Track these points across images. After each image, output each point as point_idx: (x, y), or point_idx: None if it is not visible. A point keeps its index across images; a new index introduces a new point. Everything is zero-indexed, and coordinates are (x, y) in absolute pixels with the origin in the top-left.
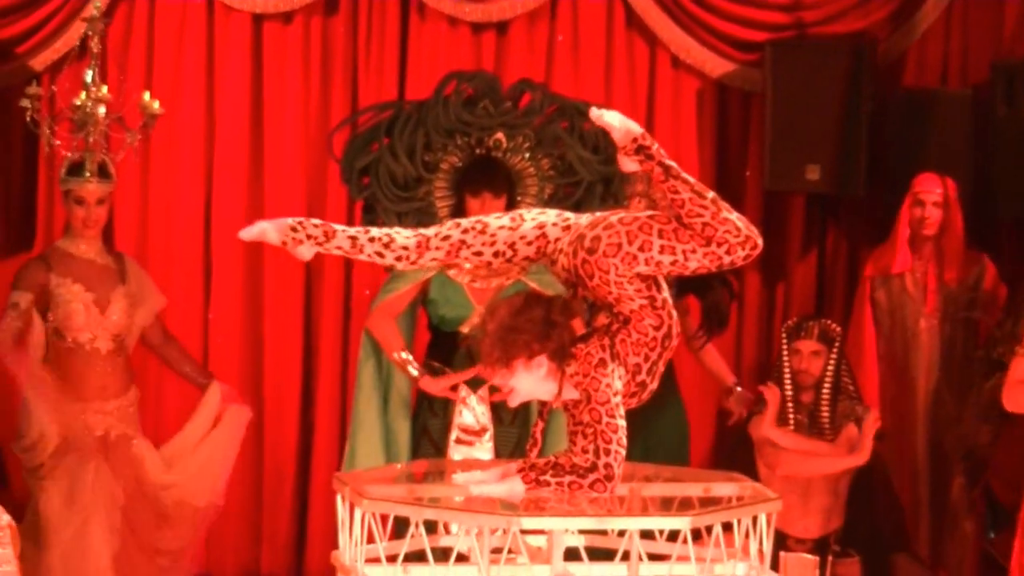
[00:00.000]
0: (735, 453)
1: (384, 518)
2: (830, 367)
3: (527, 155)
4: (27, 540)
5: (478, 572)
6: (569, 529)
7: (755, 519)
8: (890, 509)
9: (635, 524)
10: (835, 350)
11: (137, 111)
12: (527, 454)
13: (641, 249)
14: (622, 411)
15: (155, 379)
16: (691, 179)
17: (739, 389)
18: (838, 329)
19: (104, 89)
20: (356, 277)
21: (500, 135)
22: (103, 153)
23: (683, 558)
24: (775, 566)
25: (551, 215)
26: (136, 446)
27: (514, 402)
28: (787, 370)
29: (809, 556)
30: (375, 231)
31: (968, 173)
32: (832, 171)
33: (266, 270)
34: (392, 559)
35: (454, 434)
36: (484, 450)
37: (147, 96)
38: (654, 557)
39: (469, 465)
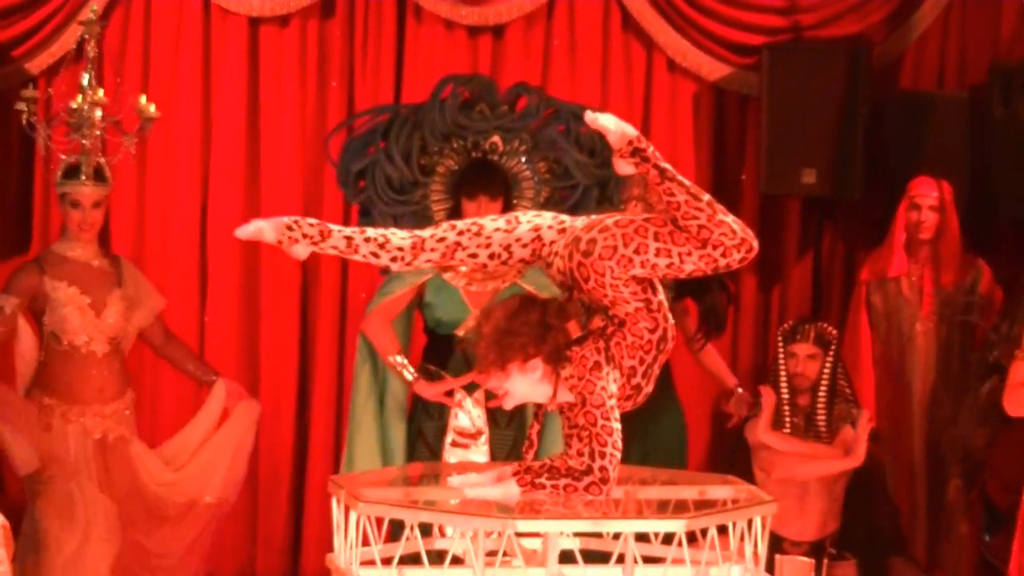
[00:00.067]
0: (733, 457)
1: (379, 521)
2: (826, 370)
3: (523, 158)
4: (27, 549)
5: (473, 575)
6: (564, 532)
7: (750, 522)
8: (886, 512)
9: (630, 527)
10: (831, 353)
11: (133, 114)
12: (523, 457)
13: (637, 252)
14: (617, 414)
15: (151, 381)
16: (687, 182)
17: (740, 391)
18: (834, 332)
19: (100, 92)
20: (352, 280)
21: (496, 138)
22: (99, 156)
23: (678, 561)
24: (771, 569)
25: (547, 218)
26: (133, 448)
27: (509, 405)
28: (783, 373)
29: (805, 559)
30: (371, 231)
31: (965, 176)
32: (828, 174)
33: (262, 273)
34: (387, 562)
35: (450, 437)
36: (480, 453)
37: (143, 99)
38: (649, 560)
39: (464, 468)
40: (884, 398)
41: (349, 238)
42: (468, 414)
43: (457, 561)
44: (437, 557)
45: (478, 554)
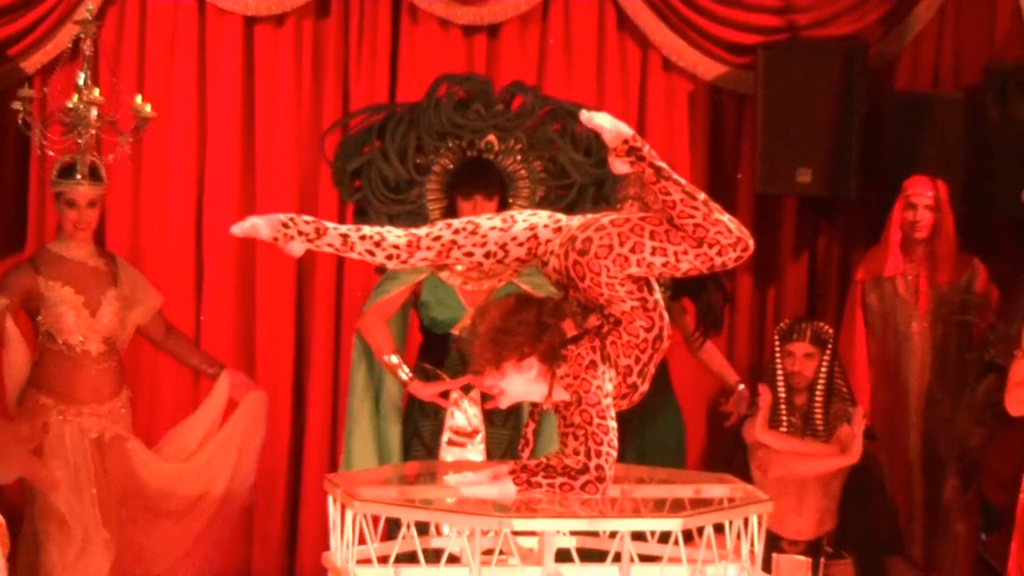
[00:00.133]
0: (731, 456)
1: (376, 519)
2: (823, 369)
3: (519, 157)
4: (28, 550)
5: (469, 573)
6: (560, 530)
7: (747, 521)
8: (884, 511)
9: (626, 526)
10: (828, 352)
11: (129, 114)
12: (518, 455)
13: (632, 251)
14: (613, 412)
15: (148, 380)
16: (682, 181)
17: (741, 388)
18: (831, 331)
19: (96, 92)
20: (348, 278)
21: (492, 137)
22: (95, 155)
23: (674, 559)
24: (767, 568)
25: (543, 216)
26: (131, 446)
27: (504, 404)
28: (780, 372)
29: (801, 558)
30: (366, 229)
31: (960, 175)
32: (824, 174)
33: (258, 272)
34: (383, 560)
35: (446, 436)
36: (476, 452)
37: (139, 99)
38: (645, 559)
39: (461, 466)
40: (880, 397)
41: (345, 236)
42: (464, 413)
43: (453, 559)
44: (433, 555)
45: (474, 553)
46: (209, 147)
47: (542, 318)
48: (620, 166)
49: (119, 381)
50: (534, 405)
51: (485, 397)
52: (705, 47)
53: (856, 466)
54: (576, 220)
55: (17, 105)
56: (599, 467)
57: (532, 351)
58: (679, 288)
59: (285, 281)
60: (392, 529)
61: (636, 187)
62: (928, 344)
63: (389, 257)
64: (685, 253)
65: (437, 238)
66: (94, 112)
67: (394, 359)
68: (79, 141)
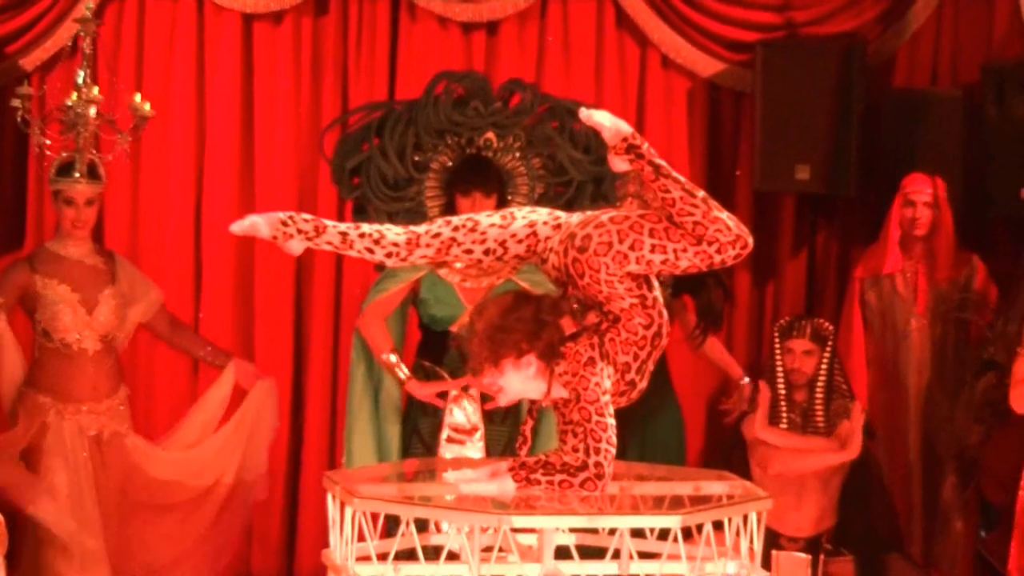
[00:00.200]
0: (730, 453)
1: (375, 517)
2: (823, 366)
3: (517, 155)
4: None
5: (469, 570)
6: (560, 527)
7: (746, 518)
8: (883, 509)
9: (626, 522)
10: (828, 349)
11: (128, 112)
12: (517, 452)
13: (632, 248)
14: (611, 410)
15: (145, 377)
16: (681, 178)
17: (745, 381)
18: (831, 328)
19: (96, 90)
20: (347, 276)
21: (490, 135)
22: (93, 154)
23: (674, 556)
24: (767, 565)
25: (542, 214)
26: (131, 442)
27: (503, 401)
28: (780, 369)
29: (801, 555)
30: (366, 227)
31: (959, 174)
32: (822, 171)
33: (257, 271)
34: (383, 557)
35: (445, 433)
36: (475, 449)
37: (138, 98)
38: (645, 555)
39: (460, 464)
40: (879, 395)
41: (344, 234)
42: (463, 410)
43: (453, 556)
44: (433, 552)
45: (474, 550)
46: (208, 145)
47: (540, 315)
48: (619, 164)
49: (117, 379)
50: (532, 402)
51: (485, 398)
52: (703, 44)
53: (855, 463)
54: (575, 217)
55: (16, 102)
56: (598, 464)
57: (530, 348)
58: (680, 285)
59: (284, 279)
60: (391, 526)
61: (635, 185)
62: (927, 342)
63: (388, 255)
64: (684, 251)
65: (436, 235)
66: (93, 111)
67: (392, 358)
68: (77, 139)
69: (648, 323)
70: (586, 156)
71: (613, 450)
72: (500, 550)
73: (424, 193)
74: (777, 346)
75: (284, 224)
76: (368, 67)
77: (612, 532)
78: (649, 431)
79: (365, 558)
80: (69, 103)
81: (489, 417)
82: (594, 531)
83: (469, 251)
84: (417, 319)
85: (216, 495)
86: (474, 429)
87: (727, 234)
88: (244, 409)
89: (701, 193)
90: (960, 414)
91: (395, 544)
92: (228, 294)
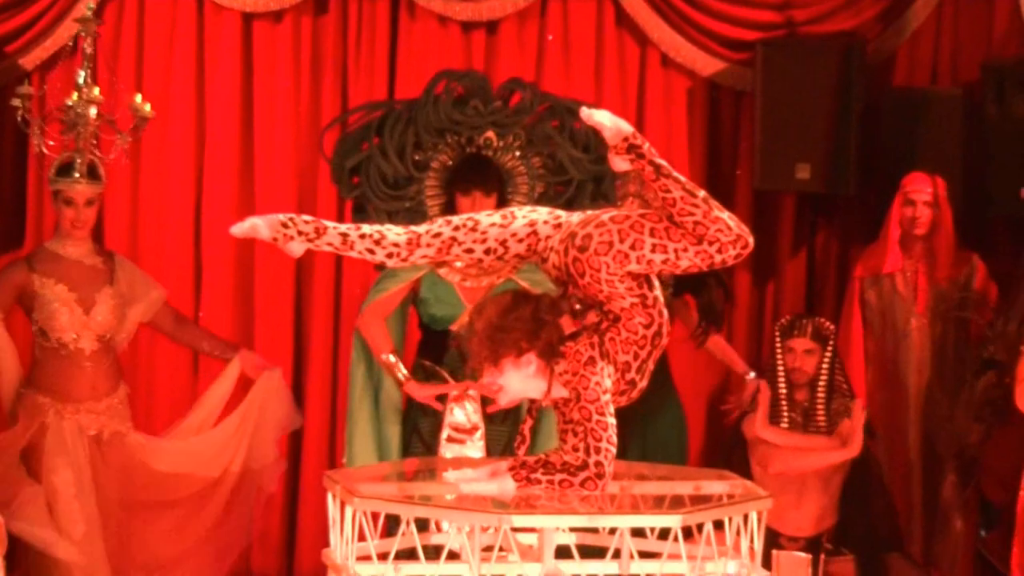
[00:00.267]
0: (731, 452)
1: (375, 516)
2: (824, 365)
3: (517, 154)
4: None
5: (469, 570)
6: (560, 527)
7: (746, 517)
8: (883, 508)
9: (626, 522)
10: (829, 348)
11: (128, 112)
12: (516, 452)
13: (632, 247)
14: (612, 409)
15: (145, 375)
16: (682, 178)
17: (751, 376)
18: (831, 327)
19: (96, 90)
20: (347, 277)
21: (490, 134)
22: (93, 154)
23: (674, 556)
24: (767, 564)
25: (542, 213)
26: (132, 440)
27: (503, 401)
28: (780, 368)
29: (801, 554)
30: (366, 228)
31: (959, 172)
32: (822, 170)
33: (257, 271)
34: (383, 557)
35: (445, 432)
36: (475, 448)
37: (139, 98)
38: (645, 555)
39: (460, 463)
40: (879, 394)
41: (344, 235)
42: (464, 410)
43: (453, 556)
44: (433, 552)
45: (474, 549)
46: (207, 144)
47: (539, 314)
48: (620, 163)
49: (116, 378)
50: (532, 402)
51: (486, 400)
52: (703, 43)
53: (855, 463)
54: (576, 216)
55: (16, 102)
56: (598, 463)
57: (530, 347)
58: (681, 285)
59: (284, 280)
60: (392, 526)
61: (636, 184)
62: (927, 341)
63: (389, 255)
64: (685, 250)
65: (437, 235)
66: (93, 111)
67: (391, 358)
68: (77, 139)
69: (648, 322)
70: (586, 155)
71: (613, 449)
72: (500, 549)
73: (424, 192)
74: (778, 345)
75: (284, 226)
76: (368, 66)
77: (612, 531)
78: (650, 430)
79: (365, 557)
80: (69, 103)
81: (489, 417)
82: (594, 530)
83: (470, 250)
84: (417, 319)
85: (224, 486)
86: (474, 428)
87: (728, 234)
88: (250, 399)
89: (702, 193)
90: (960, 413)
91: (395, 543)
92: (228, 294)
